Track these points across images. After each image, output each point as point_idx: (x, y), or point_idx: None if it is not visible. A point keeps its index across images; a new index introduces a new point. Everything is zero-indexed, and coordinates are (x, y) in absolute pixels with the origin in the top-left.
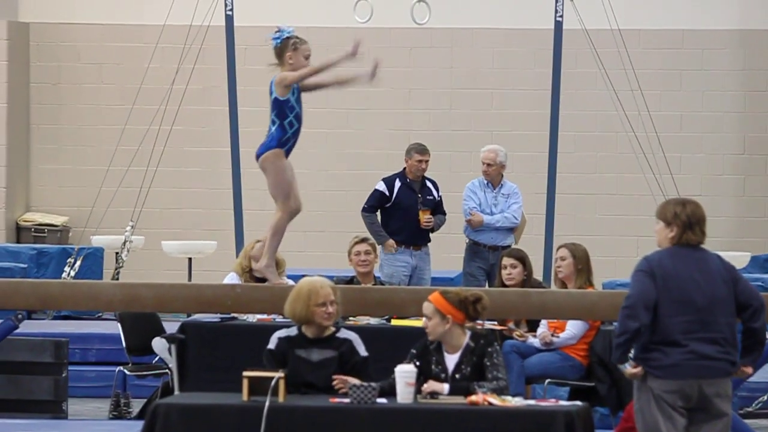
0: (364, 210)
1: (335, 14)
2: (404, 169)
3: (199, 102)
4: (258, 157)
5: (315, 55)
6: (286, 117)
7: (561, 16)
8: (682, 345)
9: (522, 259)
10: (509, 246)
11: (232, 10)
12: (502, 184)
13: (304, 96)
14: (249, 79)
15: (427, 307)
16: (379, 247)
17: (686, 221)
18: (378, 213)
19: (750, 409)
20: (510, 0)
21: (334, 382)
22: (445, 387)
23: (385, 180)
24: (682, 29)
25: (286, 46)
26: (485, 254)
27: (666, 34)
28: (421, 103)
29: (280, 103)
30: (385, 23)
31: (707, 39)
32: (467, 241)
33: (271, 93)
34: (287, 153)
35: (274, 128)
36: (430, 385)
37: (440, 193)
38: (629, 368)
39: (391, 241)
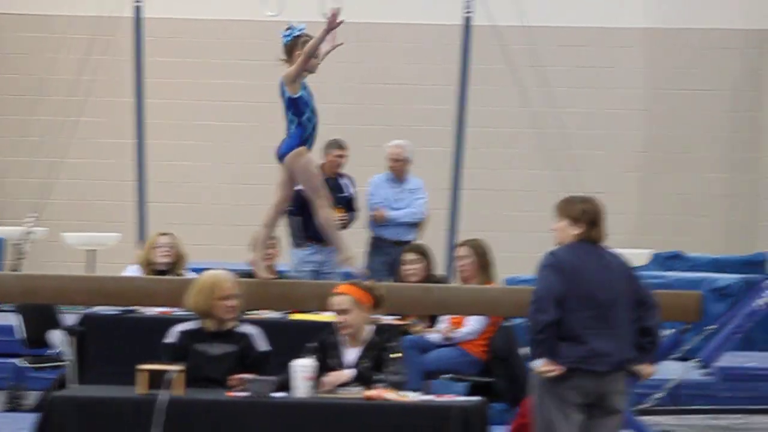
0: (290, 213)
1: (245, 7)
2: (321, 165)
3: (106, 94)
4: (281, 158)
5: (226, 48)
6: (303, 113)
7: (470, 12)
8: (582, 341)
9: (424, 253)
10: (412, 241)
11: (140, 1)
12: (407, 180)
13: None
14: (156, 72)
15: (343, 301)
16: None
17: (592, 218)
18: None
19: (645, 406)
20: None
21: (231, 381)
22: (351, 373)
23: None
24: (589, 27)
25: (296, 44)
26: (388, 249)
27: (573, 31)
28: (329, 97)
29: (294, 100)
30: (294, 17)
31: (614, 37)
32: (370, 235)
33: (282, 93)
34: (309, 148)
35: (293, 127)
36: (334, 375)
37: (356, 188)
38: (542, 365)
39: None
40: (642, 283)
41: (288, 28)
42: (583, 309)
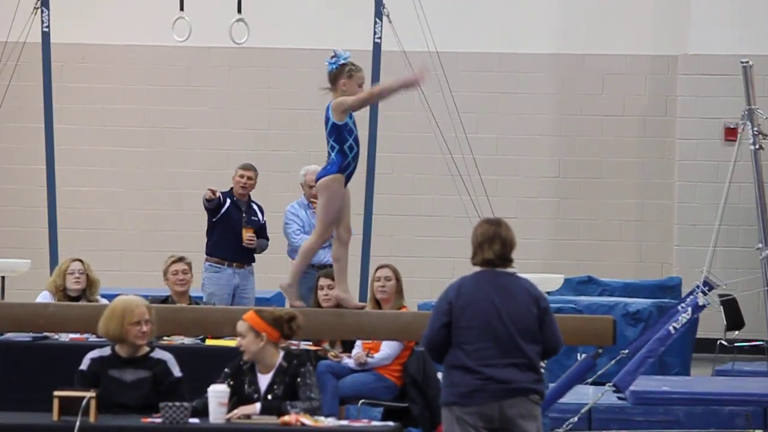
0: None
1: (154, 33)
2: (231, 187)
3: (15, 119)
4: (317, 180)
5: (134, 73)
6: (346, 141)
7: (380, 38)
8: (478, 371)
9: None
10: None
11: (48, 27)
12: None
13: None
14: (65, 97)
15: (241, 325)
16: (203, 265)
17: (477, 241)
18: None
19: (560, 430)
20: (328, 20)
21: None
22: (257, 407)
23: (222, 192)
24: (498, 53)
25: (341, 72)
26: (314, 274)
27: (482, 57)
28: (239, 123)
29: (339, 127)
30: (203, 42)
31: (522, 62)
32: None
33: (327, 119)
34: (348, 178)
35: (334, 154)
36: (241, 409)
37: (265, 218)
38: None
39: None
40: (553, 325)
41: (333, 56)
42: (479, 340)
